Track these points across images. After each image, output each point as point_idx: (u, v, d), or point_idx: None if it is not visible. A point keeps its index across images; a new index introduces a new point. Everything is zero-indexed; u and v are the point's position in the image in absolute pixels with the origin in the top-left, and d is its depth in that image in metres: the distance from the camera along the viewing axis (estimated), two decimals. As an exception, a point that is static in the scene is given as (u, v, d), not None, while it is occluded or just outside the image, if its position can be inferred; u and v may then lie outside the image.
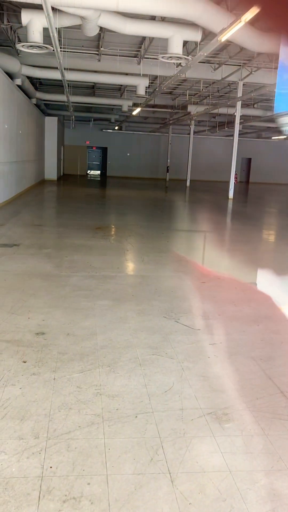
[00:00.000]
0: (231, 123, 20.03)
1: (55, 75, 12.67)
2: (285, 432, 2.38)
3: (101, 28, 9.53)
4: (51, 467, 2.02)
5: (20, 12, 8.27)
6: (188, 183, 24.30)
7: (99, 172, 33.45)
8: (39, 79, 16.07)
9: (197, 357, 3.22)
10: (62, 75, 11.80)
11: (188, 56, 9.73)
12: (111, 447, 2.18)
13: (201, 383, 2.85)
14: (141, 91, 13.86)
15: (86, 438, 2.24)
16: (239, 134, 16.78)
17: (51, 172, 22.12)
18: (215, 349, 3.40)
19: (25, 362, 3.02)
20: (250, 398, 2.71)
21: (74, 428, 2.32)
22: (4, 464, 2.03)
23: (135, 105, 18.70)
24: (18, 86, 13.35)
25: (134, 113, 19.20)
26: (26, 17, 8.18)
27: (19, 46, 8.74)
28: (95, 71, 13.28)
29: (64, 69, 11.45)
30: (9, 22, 9.86)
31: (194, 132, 25.95)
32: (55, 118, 21.96)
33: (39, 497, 1.85)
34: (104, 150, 32.21)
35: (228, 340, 3.61)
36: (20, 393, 2.63)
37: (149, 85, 14.89)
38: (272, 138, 29.02)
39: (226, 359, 3.24)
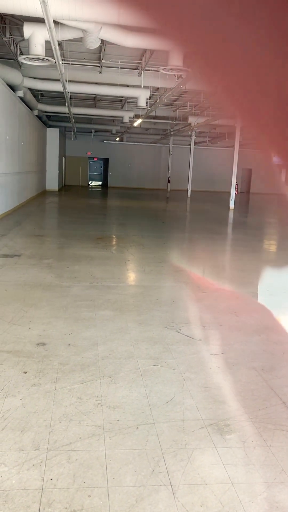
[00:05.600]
0: (231, 134, 20.14)
1: (56, 87, 12.79)
2: (288, 444, 2.36)
3: (102, 41, 9.63)
4: (51, 479, 2.00)
5: (22, 26, 8.38)
6: (189, 194, 24.37)
7: (100, 183, 33.60)
8: (41, 91, 16.21)
9: (199, 368, 3.21)
10: (64, 87, 11.91)
11: (188, 68, 9.81)
12: (112, 458, 2.16)
13: (203, 394, 2.83)
14: (142, 102, 13.96)
15: (87, 450, 2.22)
16: (239, 144, 16.84)
17: (52, 183, 22.23)
18: (216, 360, 3.38)
19: (25, 372, 3.00)
20: (252, 409, 2.69)
21: (75, 439, 2.30)
22: (4, 476, 2.01)
23: (136, 116, 18.81)
24: (20, 98, 13.48)
25: (135, 124, 19.32)
26: (28, 30, 8.29)
27: (21, 58, 8.84)
28: (97, 83, 13.39)
29: (66, 81, 11.55)
30: (11, 35, 9.99)
31: (195, 143, 26.09)
32: (57, 130, 22.12)
33: (39, 509, 1.83)
34: (105, 161, 32.38)
35: (229, 350, 3.59)
36: (20, 404, 2.61)
37: (150, 97, 15.00)
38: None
39: (228, 370, 3.23)
